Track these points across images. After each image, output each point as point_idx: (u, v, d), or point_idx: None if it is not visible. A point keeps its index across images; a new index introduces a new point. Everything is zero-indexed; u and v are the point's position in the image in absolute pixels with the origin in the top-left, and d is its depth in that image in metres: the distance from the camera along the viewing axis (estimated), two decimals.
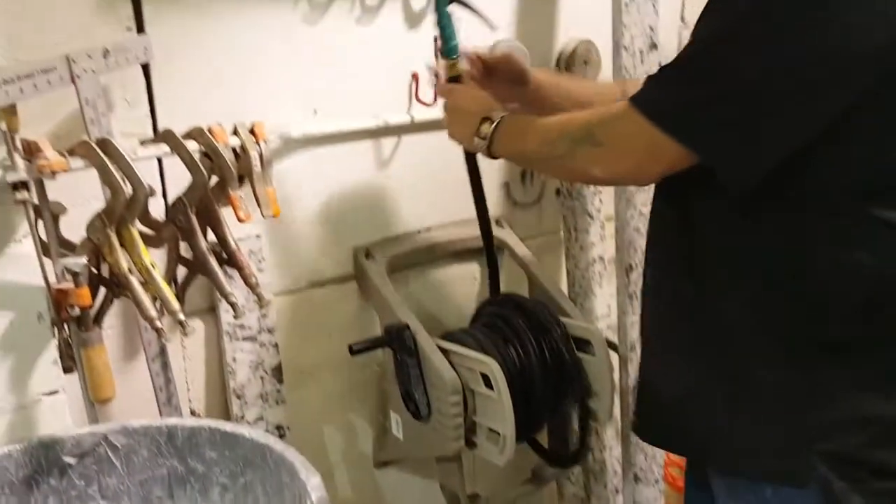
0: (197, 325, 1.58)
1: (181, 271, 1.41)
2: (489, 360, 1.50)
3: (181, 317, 1.24)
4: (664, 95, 1.01)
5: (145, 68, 1.42)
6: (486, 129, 1.25)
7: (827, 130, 0.94)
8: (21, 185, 1.08)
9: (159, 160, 1.42)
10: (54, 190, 1.35)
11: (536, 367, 1.59)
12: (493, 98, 1.36)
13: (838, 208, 0.98)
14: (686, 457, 1.31)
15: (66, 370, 1.26)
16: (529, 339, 1.61)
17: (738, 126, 0.95)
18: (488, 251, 1.76)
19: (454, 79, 1.47)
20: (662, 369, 1.18)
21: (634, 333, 1.81)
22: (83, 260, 1.14)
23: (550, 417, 1.70)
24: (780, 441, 1.04)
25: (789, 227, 1.00)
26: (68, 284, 1.16)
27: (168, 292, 1.23)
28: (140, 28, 1.40)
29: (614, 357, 1.90)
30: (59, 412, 1.27)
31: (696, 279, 1.09)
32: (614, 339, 1.86)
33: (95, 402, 1.19)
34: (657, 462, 1.91)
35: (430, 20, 1.68)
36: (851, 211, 0.97)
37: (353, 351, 1.59)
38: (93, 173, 1.21)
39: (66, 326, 1.22)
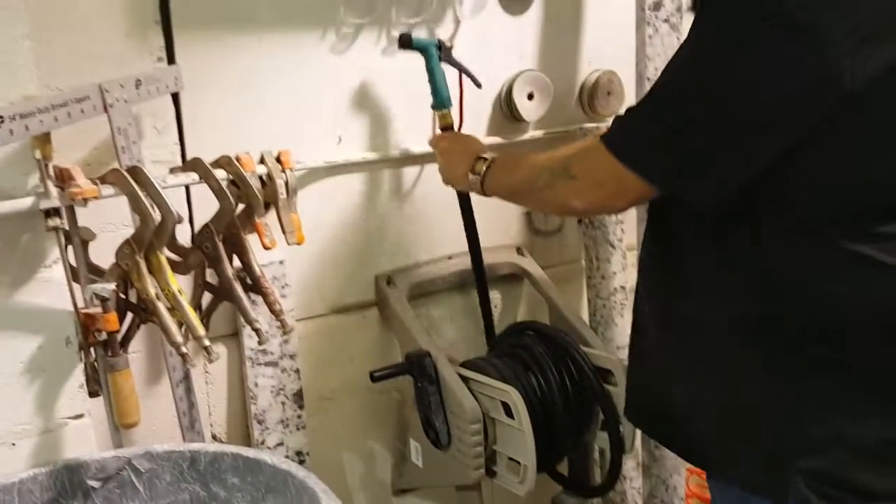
0: (220, 350, 1.60)
1: (206, 297, 1.43)
2: (510, 388, 1.50)
3: (207, 343, 1.25)
4: (626, 133, 1.08)
5: (175, 97, 1.45)
6: (480, 166, 1.35)
7: (781, 161, 0.97)
8: (53, 212, 1.10)
9: (186, 187, 1.45)
10: (82, 216, 1.38)
11: (558, 395, 1.59)
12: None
13: (806, 237, 0.99)
14: (684, 459, 1.32)
15: (92, 394, 1.27)
16: (550, 367, 1.61)
17: (686, 161, 1.01)
18: (481, 290, 1.78)
19: (446, 128, 1.60)
20: (662, 374, 1.19)
21: None
22: (112, 286, 1.16)
23: (573, 447, 1.69)
24: (763, 454, 1.06)
25: (763, 252, 1.03)
26: (96, 309, 1.18)
27: (194, 318, 1.24)
28: (171, 58, 1.43)
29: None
30: (84, 436, 1.28)
31: (687, 297, 1.12)
32: None
33: (121, 426, 1.20)
34: (678, 494, 1.89)
35: (454, 50, 1.70)
36: (820, 241, 0.99)
37: (374, 378, 1.59)
38: (120, 200, 1.23)
39: (92, 351, 1.24)
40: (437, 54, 1.58)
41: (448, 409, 1.57)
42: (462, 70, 1.63)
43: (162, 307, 1.23)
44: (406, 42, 1.57)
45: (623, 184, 1.06)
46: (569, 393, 1.61)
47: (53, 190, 1.10)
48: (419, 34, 1.66)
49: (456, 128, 1.64)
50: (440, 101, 1.59)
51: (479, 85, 1.65)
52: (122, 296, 1.24)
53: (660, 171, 1.04)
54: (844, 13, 0.89)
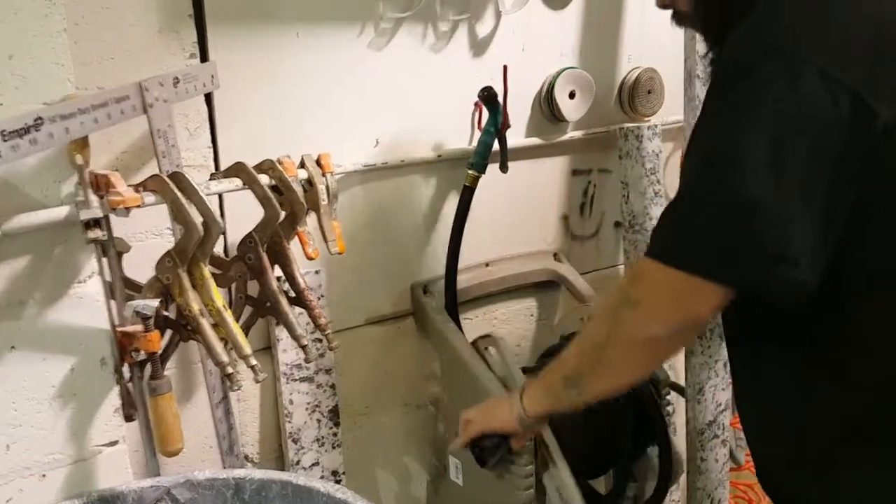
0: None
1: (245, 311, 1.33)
2: None
3: (254, 361, 1.16)
4: (675, 236, 0.92)
5: (208, 97, 1.36)
6: (515, 397, 1.19)
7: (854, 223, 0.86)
8: (94, 223, 1.00)
9: (219, 194, 1.35)
10: (115, 225, 1.28)
11: (612, 409, 1.51)
12: None
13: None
14: None
15: (128, 418, 1.18)
16: None
17: (764, 244, 0.84)
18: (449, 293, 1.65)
19: (468, 188, 1.57)
20: (762, 437, 1.11)
21: (703, 374, 1.73)
22: (155, 303, 1.06)
23: (628, 462, 1.62)
24: None
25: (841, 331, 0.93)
26: (136, 328, 1.08)
27: (240, 336, 1.15)
28: (203, 55, 1.34)
29: (680, 400, 1.83)
30: (120, 463, 1.18)
31: (781, 377, 1.01)
32: (679, 379, 1.79)
33: (164, 454, 1.10)
34: None
35: (495, 45, 1.62)
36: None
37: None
38: (154, 208, 1.13)
39: (126, 371, 1.14)
40: (499, 120, 1.55)
41: None
42: (504, 152, 1.60)
43: (206, 324, 1.13)
44: (492, 98, 1.53)
45: (696, 294, 0.89)
46: (622, 406, 1.53)
47: (94, 199, 1.00)
48: (461, 28, 1.58)
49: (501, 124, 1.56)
50: (478, 164, 1.57)
51: (505, 169, 1.63)
52: (163, 312, 1.14)
53: (736, 265, 0.87)
54: (860, 56, 0.83)
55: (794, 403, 1.00)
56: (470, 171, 1.58)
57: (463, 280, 1.70)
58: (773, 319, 0.96)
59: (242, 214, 1.28)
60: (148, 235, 1.33)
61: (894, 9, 0.88)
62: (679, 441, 1.91)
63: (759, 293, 0.87)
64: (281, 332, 1.48)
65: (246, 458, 1.54)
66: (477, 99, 1.57)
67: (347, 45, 1.47)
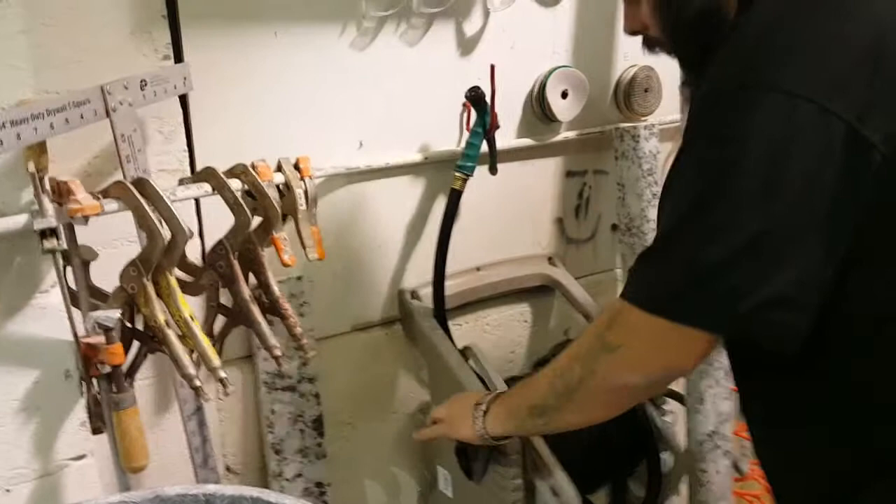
0: (233, 374, 1.46)
1: (218, 319, 1.29)
2: None
3: (222, 374, 1.12)
4: (653, 279, 0.86)
5: (183, 99, 1.32)
6: (479, 410, 1.15)
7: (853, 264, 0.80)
8: (50, 233, 0.96)
9: (196, 198, 1.31)
10: (83, 232, 1.24)
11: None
12: None
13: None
14: None
15: (96, 431, 1.14)
16: None
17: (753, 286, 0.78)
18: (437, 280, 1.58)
19: (456, 192, 1.53)
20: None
21: (703, 383, 1.67)
22: (117, 314, 1.03)
23: (620, 474, 1.57)
24: None
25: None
26: (99, 339, 1.04)
27: (208, 347, 1.11)
28: (178, 56, 1.30)
29: (680, 409, 1.78)
30: (87, 478, 1.15)
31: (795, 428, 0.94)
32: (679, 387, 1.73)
33: (128, 470, 1.07)
34: None
35: (483, 43, 1.58)
36: None
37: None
38: (127, 214, 1.09)
39: (95, 383, 1.11)
40: (487, 121, 1.51)
41: None
42: (493, 154, 1.55)
43: (172, 335, 1.09)
44: (479, 98, 1.49)
45: (680, 342, 0.84)
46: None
47: (50, 207, 0.96)
48: (446, 26, 1.53)
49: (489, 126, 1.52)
50: (465, 167, 1.52)
51: (494, 171, 1.57)
52: (129, 323, 1.11)
53: (722, 311, 0.80)
54: (853, 78, 0.77)
55: (815, 442, 0.91)
56: (457, 174, 1.53)
57: (453, 285, 1.66)
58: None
59: (220, 219, 1.24)
60: (122, 242, 1.29)
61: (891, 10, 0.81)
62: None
63: (748, 339, 0.81)
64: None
65: (228, 469, 1.50)
66: (465, 99, 1.52)
67: (328, 45, 1.43)
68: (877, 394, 0.85)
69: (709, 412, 1.71)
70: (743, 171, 0.77)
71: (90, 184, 1.17)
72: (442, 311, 1.59)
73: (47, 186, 1.01)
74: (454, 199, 1.55)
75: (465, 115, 1.58)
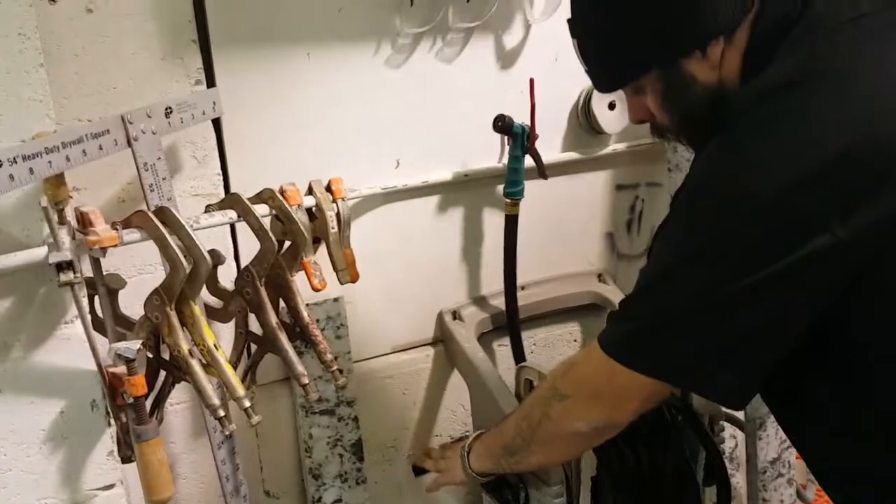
0: (270, 399, 1.45)
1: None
2: None
3: (247, 403, 1.10)
4: (619, 328, 0.94)
5: (216, 123, 1.31)
6: (464, 451, 1.23)
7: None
8: (66, 266, 0.96)
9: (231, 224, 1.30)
10: (115, 258, 1.25)
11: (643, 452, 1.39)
12: None
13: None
14: None
15: (125, 460, 1.14)
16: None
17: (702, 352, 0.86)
18: (511, 319, 1.58)
19: (511, 217, 1.51)
20: None
21: (764, 408, 1.57)
22: (137, 345, 1.02)
23: None
24: None
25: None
26: (122, 370, 1.04)
27: (232, 377, 1.09)
28: (210, 81, 1.29)
29: (739, 434, 1.69)
30: None
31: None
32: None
33: (150, 503, 1.06)
34: None
35: (524, 56, 1.53)
36: None
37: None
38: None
39: (124, 413, 1.10)
40: (525, 142, 1.47)
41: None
42: (538, 162, 1.50)
43: (196, 365, 1.08)
44: (507, 127, 1.46)
45: (621, 388, 0.93)
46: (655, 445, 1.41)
47: (65, 240, 0.96)
48: (485, 40, 1.48)
49: (528, 144, 1.46)
50: (514, 191, 1.50)
51: (545, 176, 1.53)
52: (155, 351, 1.10)
53: (662, 361, 0.88)
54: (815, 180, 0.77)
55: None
56: (508, 201, 1.50)
57: (496, 305, 1.61)
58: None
59: (256, 243, 1.22)
60: (156, 268, 1.29)
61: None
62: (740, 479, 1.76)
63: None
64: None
65: (267, 493, 1.49)
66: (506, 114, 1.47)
67: (363, 64, 1.41)
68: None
69: (770, 438, 1.61)
70: (700, 265, 0.84)
71: (125, 210, 1.17)
72: (520, 350, 1.58)
73: (69, 217, 1.01)
74: (512, 225, 1.53)
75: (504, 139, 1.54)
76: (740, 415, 1.63)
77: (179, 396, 1.36)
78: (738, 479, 1.76)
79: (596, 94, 1.57)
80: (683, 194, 0.90)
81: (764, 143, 0.80)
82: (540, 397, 1.07)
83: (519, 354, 1.60)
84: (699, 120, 0.93)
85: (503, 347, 1.65)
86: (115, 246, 1.00)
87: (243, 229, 1.33)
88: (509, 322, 1.58)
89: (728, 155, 0.84)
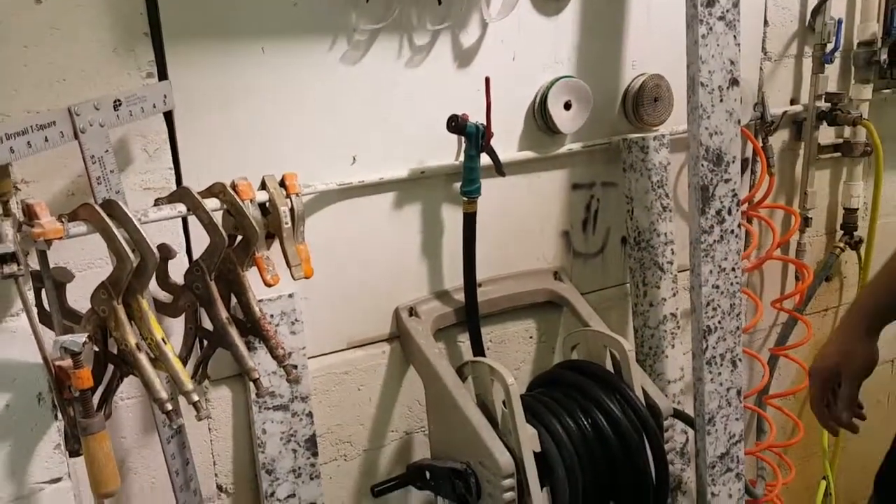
0: (224, 394, 1.45)
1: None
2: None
3: (195, 398, 1.10)
4: None
5: (168, 116, 1.31)
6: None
7: None
8: (10, 258, 0.95)
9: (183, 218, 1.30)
10: (65, 251, 1.24)
11: (595, 442, 1.43)
12: None
13: None
14: None
15: (73, 454, 1.13)
16: (602, 408, 1.46)
17: None
18: (470, 315, 1.61)
19: (469, 215, 1.52)
20: None
21: (713, 404, 1.60)
22: (82, 338, 1.01)
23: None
24: None
25: None
26: (67, 363, 1.03)
27: (180, 371, 1.09)
28: (163, 74, 1.29)
29: (690, 430, 1.71)
30: (64, 501, 1.13)
31: None
32: (688, 407, 1.67)
33: (96, 496, 1.05)
34: None
35: (482, 55, 1.54)
36: None
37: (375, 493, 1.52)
38: None
39: (71, 406, 1.09)
40: (480, 141, 1.48)
41: (477, 459, 1.40)
42: (496, 161, 1.52)
43: (143, 359, 1.08)
44: (460, 128, 1.47)
45: None
46: (608, 439, 1.43)
47: (8, 231, 0.95)
48: (442, 38, 1.49)
49: (483, 143, 1.48)
50: (470, 189, 1.51)
51: (502, 174, 1.54)
52: (102, 346, 1.09)
53: None
54: None
55: None
56: (465, 199, 1.52)
57: (453, 302, 1.62)
58: None
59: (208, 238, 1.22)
60: (104, 262, 1.28)
61: None
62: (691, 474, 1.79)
63: None
64: (255, 358, 1.42)
65: (220, 488, 1.49)
66: (463, 112, 1.48)
67: (318, 60, 1.41)
68: None
69: (719, 433, 1.64)
70: None
71: (74, 203, 1.16)
72: (479, 346, 1.60)
73: (13, 210, 1.00)
74: (470, 223, 1.54)
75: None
76: (690, 411, 1.66)
77: (130, 391, 1.35)
78: (689, 474, 1.80)
79: (552, 94, 1.59)
80: None
81: None
82: None
83: (479, 350, 1.61)
84: None
85: (462, 344, 1.66)
86: (61, 238, 0.99)
87: (196, 224, 1.33)
88: (469, 318, 1.59)
89: None
